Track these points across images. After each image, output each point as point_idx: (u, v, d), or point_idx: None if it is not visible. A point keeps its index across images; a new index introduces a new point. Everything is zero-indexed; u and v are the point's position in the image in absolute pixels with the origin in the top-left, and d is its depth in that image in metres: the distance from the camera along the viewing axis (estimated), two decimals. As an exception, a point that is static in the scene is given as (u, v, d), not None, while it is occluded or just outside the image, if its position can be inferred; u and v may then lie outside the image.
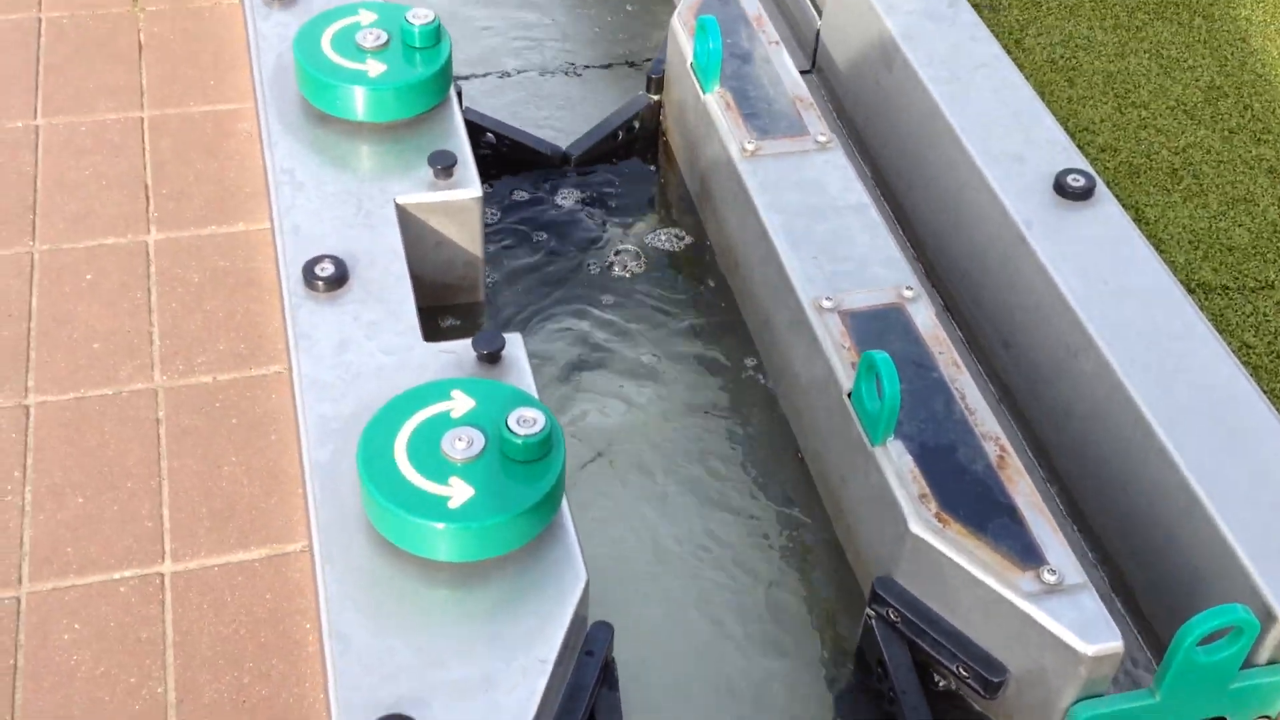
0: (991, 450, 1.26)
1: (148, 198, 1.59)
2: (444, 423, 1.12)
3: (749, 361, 1.56)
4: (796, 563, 1.38)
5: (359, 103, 1.45)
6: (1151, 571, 1.30)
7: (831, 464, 1.38)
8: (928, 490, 1.22)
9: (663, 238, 1.71)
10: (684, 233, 1.72)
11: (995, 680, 1.18)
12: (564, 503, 1.15)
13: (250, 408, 1.36)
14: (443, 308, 1.49)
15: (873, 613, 1.26)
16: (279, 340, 1.40)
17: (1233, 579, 1.18)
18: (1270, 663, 1.17)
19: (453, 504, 1.07)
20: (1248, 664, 1.16)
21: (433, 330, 1.32)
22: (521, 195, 1.73)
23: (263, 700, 1.19)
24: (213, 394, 1.37)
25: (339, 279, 1.30)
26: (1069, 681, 1.13)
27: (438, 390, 1.15)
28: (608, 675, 1.17)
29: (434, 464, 1.09)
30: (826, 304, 1.39)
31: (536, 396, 1.20)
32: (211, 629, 1.21)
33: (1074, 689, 1.13)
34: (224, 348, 1.41)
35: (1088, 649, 1.11)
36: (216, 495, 1.30)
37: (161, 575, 1.26)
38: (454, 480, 1.08)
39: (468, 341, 1.26)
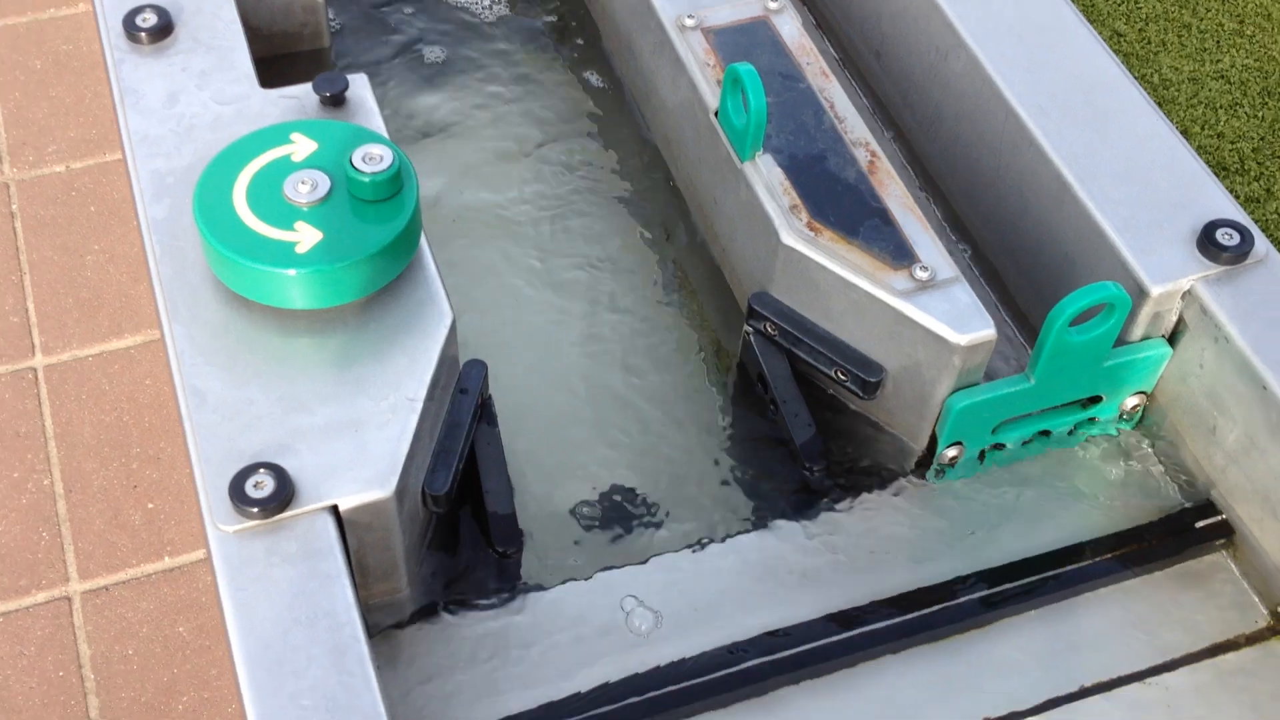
0: (862, 156, 1.23)
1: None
2: (285, 167, 1.07)
3: (613, 88, 1.51)
4: (674, 288, 1.36)
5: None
6: (1025, 266, 1.30)
7: (703, 186, 1.35)
8: (799, 201, 1.20)
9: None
10: (541, -35, 1.64)
11: (873, 380, 1.18)
12: (423, 242, 1.11)
13: (109, 194, 1.30)
14: (285, 56, 1.41)
15: (750, 328, 1.25)
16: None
17: (1104, 260, 1.18)
18: (1144, 338, 1.18)
19: (300, 249, 1.02)
20: (1121, 341, 1.18)
21: (275, 80, 1.25)
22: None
23: (154, 483, 1.17)
24: (68, 183, 1.31)
25: (163, 29, 1.22)
26: (944, 373, 1.14)
27: (276, 134, 1.09)
28: (485, 411, 1.16)
29: (278, 210, 1.04)
30: (689, 22, 1.34)
31: (385, 134, 1.15)
32: (93, 418, 1.18)
33: (949, 380, 1.14)
34: (75, 134, 1.35)
35: (960, 339, 1.11)
36: (83, 285, 1.25)
37: (34, 369, 1.22)
38: (300, 225, 1.04)
39: (309, 85, 1.20)
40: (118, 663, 1.16)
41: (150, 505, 1.20)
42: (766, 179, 1.21)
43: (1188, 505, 1.20)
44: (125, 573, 1.19)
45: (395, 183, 1.06)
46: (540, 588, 1.13)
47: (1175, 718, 1.09)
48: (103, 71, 1.35)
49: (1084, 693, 1.10)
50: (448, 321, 1.08)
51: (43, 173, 1.35)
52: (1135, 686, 1.10)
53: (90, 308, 1.25)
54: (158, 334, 1.23)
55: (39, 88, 1.41)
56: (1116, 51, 1.60)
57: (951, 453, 1.18)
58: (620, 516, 1.20)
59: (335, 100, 1.19)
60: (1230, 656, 1.12)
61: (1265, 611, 1.15)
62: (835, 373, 1.20)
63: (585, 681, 1.07)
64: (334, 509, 0.98)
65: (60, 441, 1.18)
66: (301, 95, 1.20)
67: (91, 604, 1.18)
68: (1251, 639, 1.14)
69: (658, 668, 1.08)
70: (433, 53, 1.54)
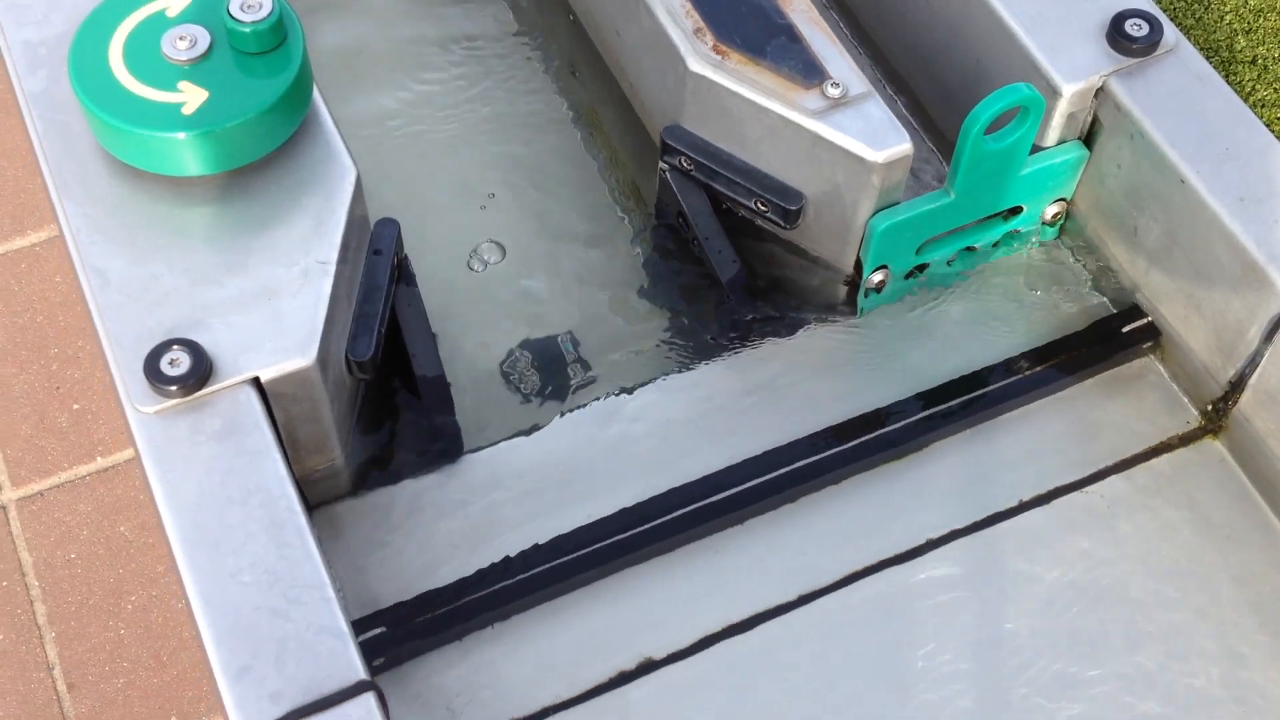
0: (764, -27, 1.19)
1: None
2: (160, 24, 1.00)
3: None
4: (585, 129, 1.33)
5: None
6: (938, 77, 1.28)
7: (604, 18, 1.30)
8: (702, 24, 1.15)
9: None
10: None
11: (793, 209, 1.16)
12: (316, 95, 1.06)
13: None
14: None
15: (665, 165, 1.22)
16: None
17: (1014, 62, 1.16)
18: (1060, 142, 1.17)
19: (187, 110, 0.97)
20: (1036, 148, 1.16)
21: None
22: None
23: (77, 383, 1.12)
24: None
25: (13, -111, 1.13)
26: (864, 194, 1.12)
27: (147, -9, 1.02)
28: (403, 272, 1.13)
29: (158, 70, 0.98)
30: None
31: (262, -15, 1.08)
32: (5, 321, 1.13)
33: (869, 201, 1.12)
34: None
35: (877, 155, 1.09)
36: (-26, 186, 1.18)
37: (-66, 274, 1.16)
38: (184, 85, 0.98)
39: (178, -61, 1.12)
40: (61, 567, 1.13)
41: (76, 406, 1.16)
42: (667, 2, 1.17)
43: (1113, 311, 1.20)
44: (58, 476, 1.15)
45: (279, 31, 1.00)
46: (476, 447, 1.11)
47: (1114, 523, 1.11)
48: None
49: (1022, 507, 1.11)
50: (352, 177, 1.03)
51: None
52: (1073, 496, 1.12)
53: (-16, 207, 1.18)
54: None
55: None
56: None
57: (878, 277, 1.17)
58: (550, 367, 1.18)
59: (208, -46, 1.12)
60: (1165, 458, 1.14)
61: (1195, 412, 1.17)
62: (755, 204, 1.18)
63: (529, 537, 1.06)
64: (256, 381, 0.94)
65: (-28, 345, 1.13)
66: (172, -49, 1.12)
67: (27, 511, 1.14)
68: (1185, 439, 1.15)
69: (600, 518, 1.07)
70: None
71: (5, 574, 1.12)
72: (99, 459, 1.17)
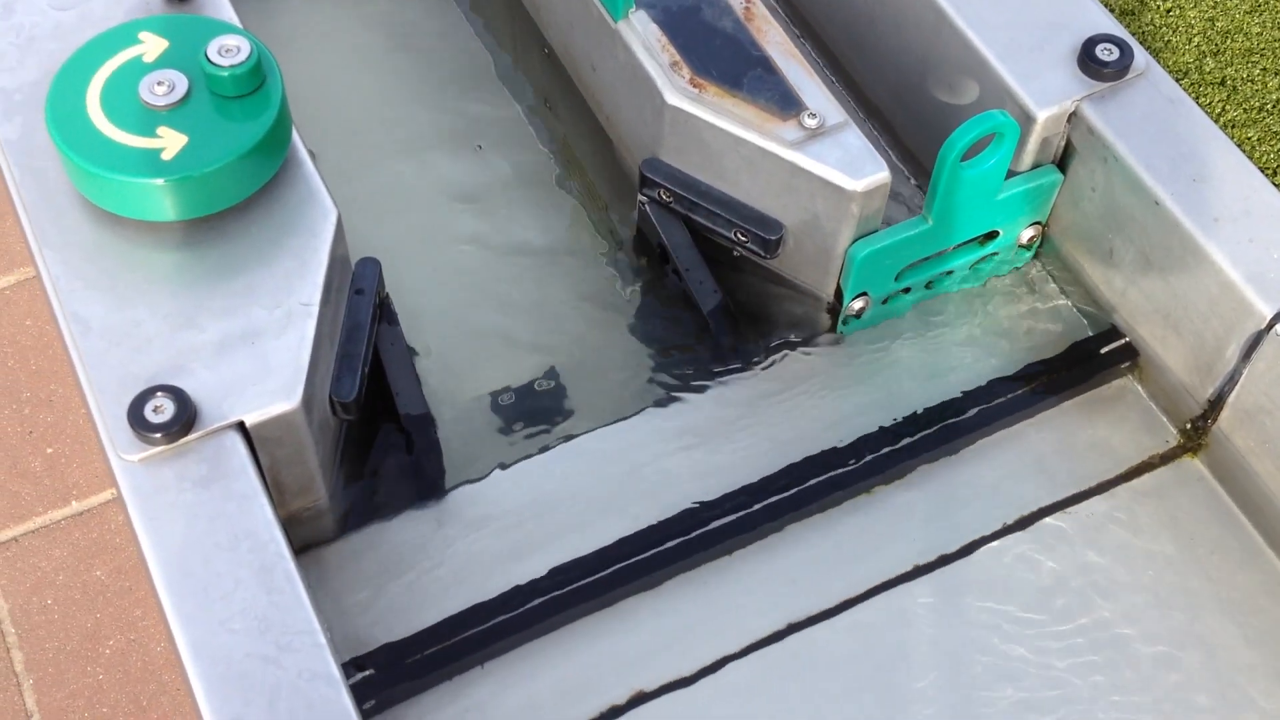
0: (737, 4, 1.20)
1: None
2: (137, 69, 1.00)
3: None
4: (562, 162, 1.33)
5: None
6: (912, 105, 1.29)
7: (579, 52, 1.31)
8: (678, 57, 1.16)
9: None
10: None
11: (773, 238, 1.17)
12: (294, 136, 1.05)
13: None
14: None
15: (644, 197, 1.22)
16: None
17: (989, 90, 1.17)
18: (1034, 167, 1.18)
19: (166, 155, 0.97)
20: (1012, 173, 1.17)
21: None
22: None
23: (50, 427, 1.11)
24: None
25: (-17, -65, 1.13)
26: (843, 222, 1.12)
27: (123, 35, 1.02)
28: (385, 311, 1.13)
29: (136, 116, 0.98)
30: (544, -119, 1.28)
31: (238, 24, 1.08)
32: (-23, 366, 1.12)
33: (849, 229, 1.13)
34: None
35: (856, 185, 1.10)
36: (-59, 229, 1.17)
37: (-97, 320, 1.15)
38: (162, 130, 0.98)
39: (151, -18, 1.12)
40: (37, 613, 1.12)
41: (49, 450, 1.15)
42: (643, 36, 1.17)
43: (1091, 333, 1.21)
44: (33, 521, 1.14)
45: (257, 74, 1.00)
46: (460, 484, 1.11)
47: (1098, 543, 1.11)
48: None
49: (1006, 530, 1.12)
50: (333, 219, 1.03)
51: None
52: (1056, 517, 1.12)
53: (-48, 251, 1.17)
54: (31, 272, 1.16)
55: None
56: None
57: (858, 304, 1.18)
58: (533, 403, 1.17)
59: (182, -4, 1.12)
60: (1146, 478, 1.15)
61: (1175, 430, 1.18)
62: (735, 234, 1.18)
63: (515, 575, 1.06)
64: (240, 426, 0.94)
65: (-57, 393, 1.12)
66: (145, -7, 1.12)
67: (2, 557, 1.13)
68: (1165, 458, 1.16)
69: (583, 554, 1.07)
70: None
71: (-18, 621, 1.11)
72: (74, 503, 1.16)
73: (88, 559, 1.17)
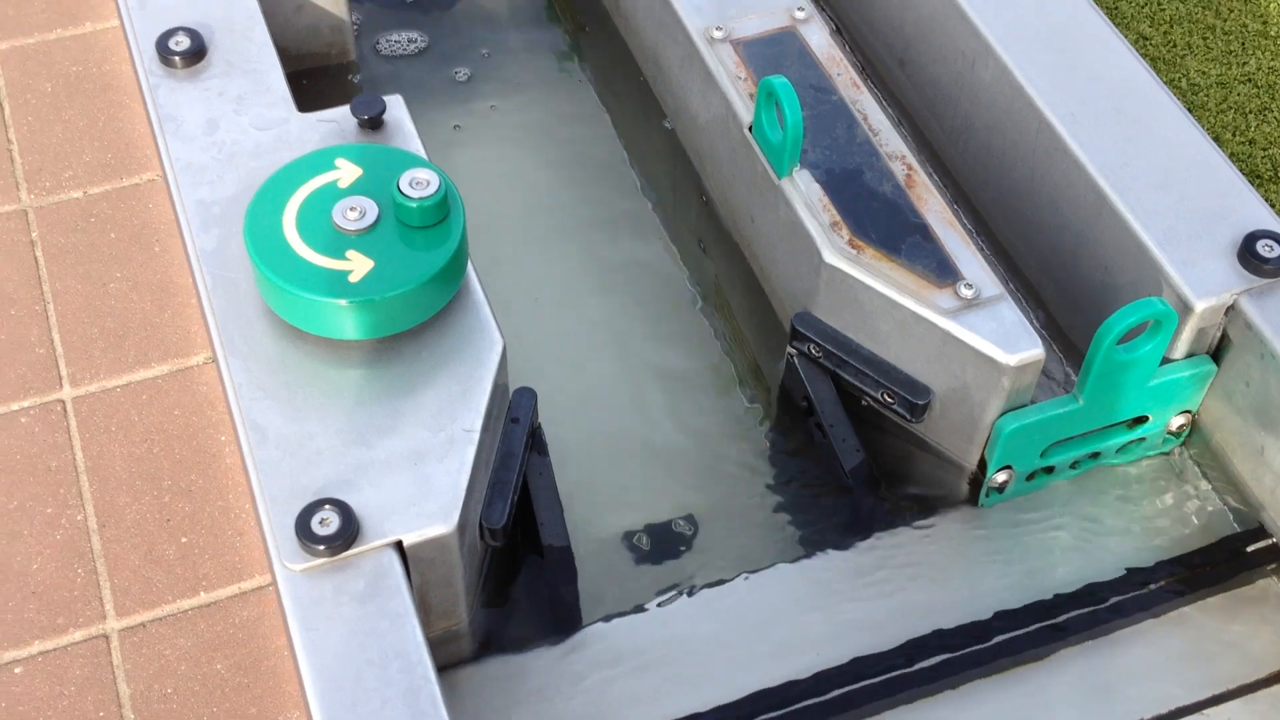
0: (899, 170, 1.23)
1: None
2: (332, 194, 1.05)
3: (639, 101, 1.50)
4: (713, 308, 1.35)
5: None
6: (1065, 281, 1.30)
7: (739, 203, 1.34)
8: (839, 218, 1.19)
9: (536, -16, 1.62)
10: (558, -22, 1.62)
11: (920, 403, 1.18)
12: (470, 266, 1.09)
13: (128, 219, 1.28)
14: (310, 71, 1.39)
15: (794, 350, 1.24)
16: (148, 145, 1.30)
17: (1146, 275, 1.18)
18: (1188, 356, 1.18)
19: (353, 278, 1.01)
20: (1166, 360, 1.18)
21: (305, 99, 1.23)
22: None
23: (187, 517, 1.14)
24: (86, 209, 1.28)
25: (197, 52, 1.20)
26: (993, 394, 1.13)
27: (321, 160, 1.07)
28: (536, 440, 1.15)
29: (328, 238, 1.03)
30: (717, 34, 1.33)
31: (425, 157, 1.13)
32: (123, 450, 1.16)
33: (998, 402, 1.13)
34: (90, 159, 1.31)
35: (1009, 359, 1.10)
36: (107, 314, 1.23)
37: (62, 402, 1.19)
38: (351, 254, 1.02)
39: (346, 108, 1.18)
40: (157, 701, 1.13)
41: (184, 539, 1.18)
42: (805, 195, 1.20)
43: (1238, 529, 1.20)
44: (162, 609, 1.17)
45: (443, 207, 1.05)
46: (595, 620, 1.12)
47: (1233, 745, 1.09)
48: (116, 94, 1.32)
49: (1143, 726, 1.10)
50: (499, 349, 1.07)
51: (60, 199, 1.32)
52: (1193, 719, 1.10)
53: (116, 337, 1.22)
54: (184, 363, 1.20)
55: (51, 111, 1.37)
56: (1143, 55, 1.61)
57: (1001, 477, 1.18)
58: (669, 545, 1.18)
59: (373, 123, 1.17)
60: (1287, 685, 1.12)
61: (1317, 633, 1.15)
62: (882, 395, 1.20)
63: (643, 716, 1.06)
64: (398, 545, 0.96)
65: (92, 475, 1.16)
66: (339, 118, 1.18)
67: (129, 642, 1.15)
68: (1307, 664, 1.14)
69: (715, 706, 1.07)
70: (459, 71, 1.52)
71: (103, 704, 1.13)
72: (202, 594, 1.19)
73: (210, 651, 1.19)
